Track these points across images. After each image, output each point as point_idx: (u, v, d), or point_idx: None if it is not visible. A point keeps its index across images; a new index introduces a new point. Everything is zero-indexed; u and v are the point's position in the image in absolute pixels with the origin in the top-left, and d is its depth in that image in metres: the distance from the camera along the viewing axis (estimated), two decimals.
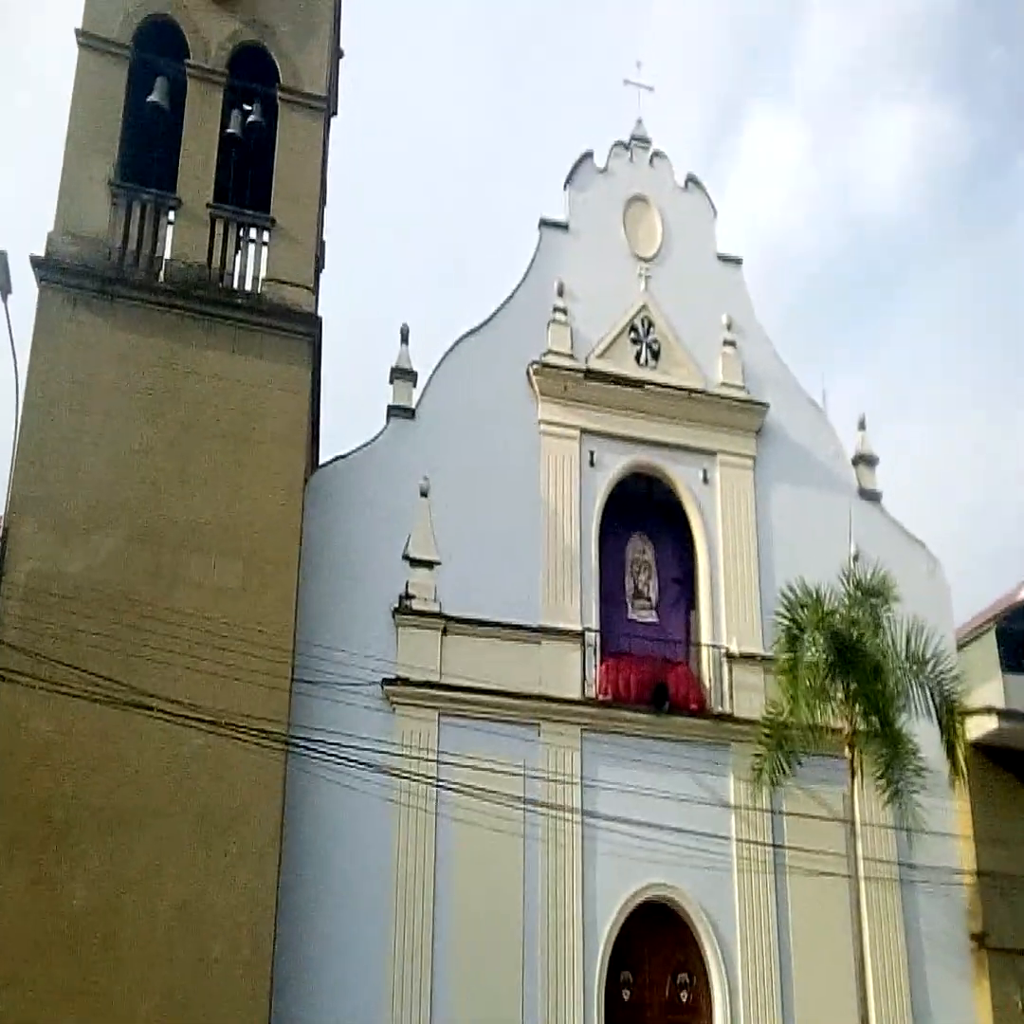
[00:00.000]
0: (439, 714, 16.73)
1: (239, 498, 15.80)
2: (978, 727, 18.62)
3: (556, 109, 47.47)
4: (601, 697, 17.53)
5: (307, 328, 16.88)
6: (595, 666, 17.87)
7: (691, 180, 21.73)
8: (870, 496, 20.69)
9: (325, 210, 19.17)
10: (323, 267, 19.45)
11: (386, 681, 16.61)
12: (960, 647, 20.77)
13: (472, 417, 18.54)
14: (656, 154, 21.52)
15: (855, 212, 54.10)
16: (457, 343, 18.94)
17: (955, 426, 46.60)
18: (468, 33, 51.15)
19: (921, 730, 16.93)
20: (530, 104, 50.62)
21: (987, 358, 49.54)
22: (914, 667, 16.34)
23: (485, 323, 19.21)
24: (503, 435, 18.64)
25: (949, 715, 16.71)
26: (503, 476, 18.36)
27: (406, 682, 16.71)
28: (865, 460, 21.04)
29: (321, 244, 18.91)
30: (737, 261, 21.63)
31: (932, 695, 16.64)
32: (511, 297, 19.54)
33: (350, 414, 19.99)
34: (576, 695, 17.58)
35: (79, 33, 16.93)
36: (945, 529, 23.73)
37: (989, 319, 49.66)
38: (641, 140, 21.46)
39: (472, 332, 19.08)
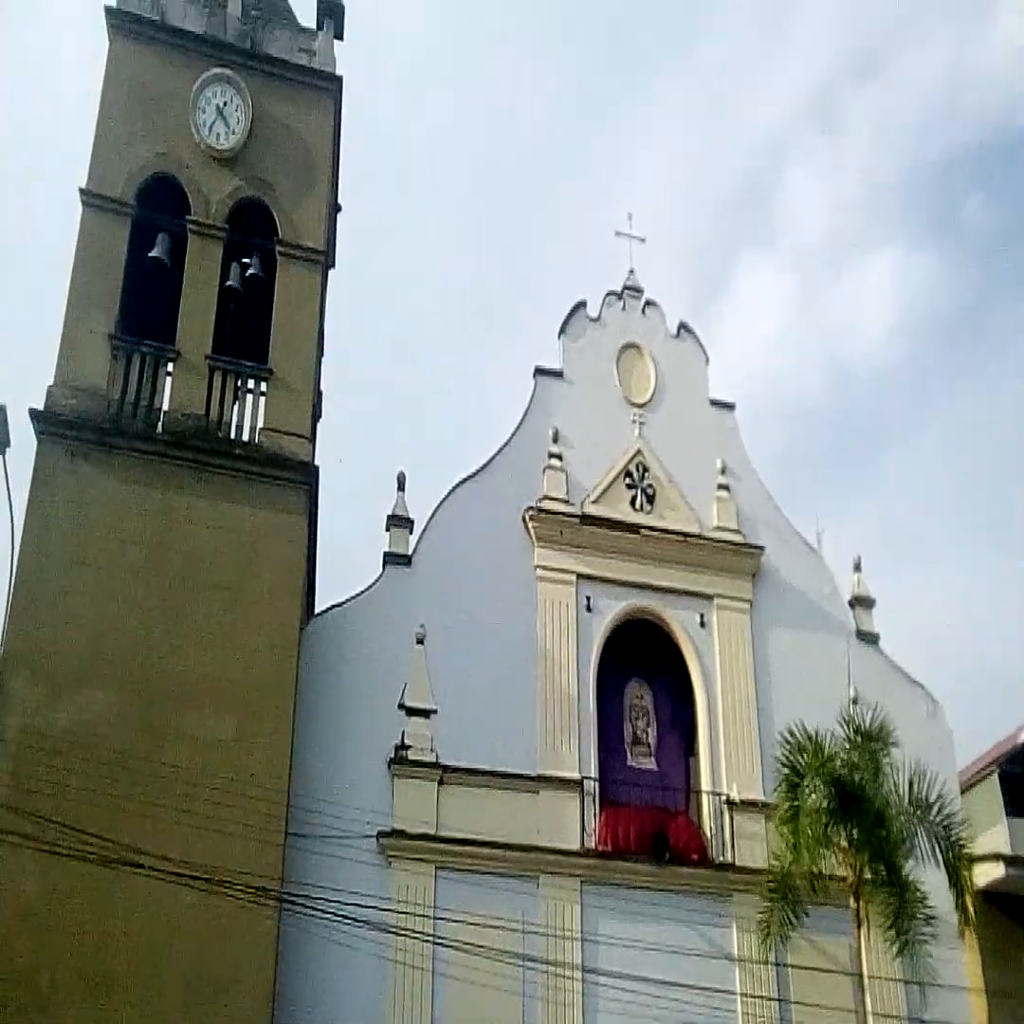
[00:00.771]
0: (435, 868, 16.44)
1: (234, 649, 15.77)
2: (985, 875, 18.29)
3: (550, 259, 48.83)
4: (601, 848, 17.31)
5: (304, 477, 17.08)
6: (594, 816, 17.61)
7: (683, 327, 22.23)
8: (868, 638, 20.75)
9: (323, 359, 19.58)
10: (320, 416, 19.81)
11: (382, 834, 16.34)
12: (963, 791, 20.55)
13: (468, 564, 18.64)
14: (648, 303, 22.06)
15: (843, 359, 55.25)
16: (453, 490, 19.17)
17: (950, 568, 46.75)
18: (464, 185, 53.01)
19: (927, 877, 16.52)
20: (525, 254, 52.15)
21: (978, 505, 50.10)
22: (918, 813, 16.10)
23: (481, 470, 19.49)
24: (499, 581, 18.71)
25: (956, 862, 16.57)
26: (500, 622, 18.37)
27: (402, 835, 16.45)
28: (862, 602, 21.11)
29: (318, 393, 19.30)
30: (730, 406, 22.02)
31: (937, 842, 16.33)
32: (507, 444, 19.86)
33: (346, 562, 20.13)
34: (575, 846, 17.32)
35: (83, 192, 17.42)
36: (944, 671, 23.53)
37: (977, 468, 50.28)
38: (633, 289, 22.03)
39: (468, 479, 19.34)
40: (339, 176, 20.03)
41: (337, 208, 20.34)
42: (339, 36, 19.75)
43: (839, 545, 22.60)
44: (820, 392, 54.43)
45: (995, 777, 26.99)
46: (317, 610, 18.18)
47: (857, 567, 21.52)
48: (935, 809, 16.18)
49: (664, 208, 50.12)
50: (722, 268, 58.97)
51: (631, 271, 22.29)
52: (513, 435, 19.96)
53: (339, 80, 19.29)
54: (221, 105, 18.24)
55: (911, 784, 16.14)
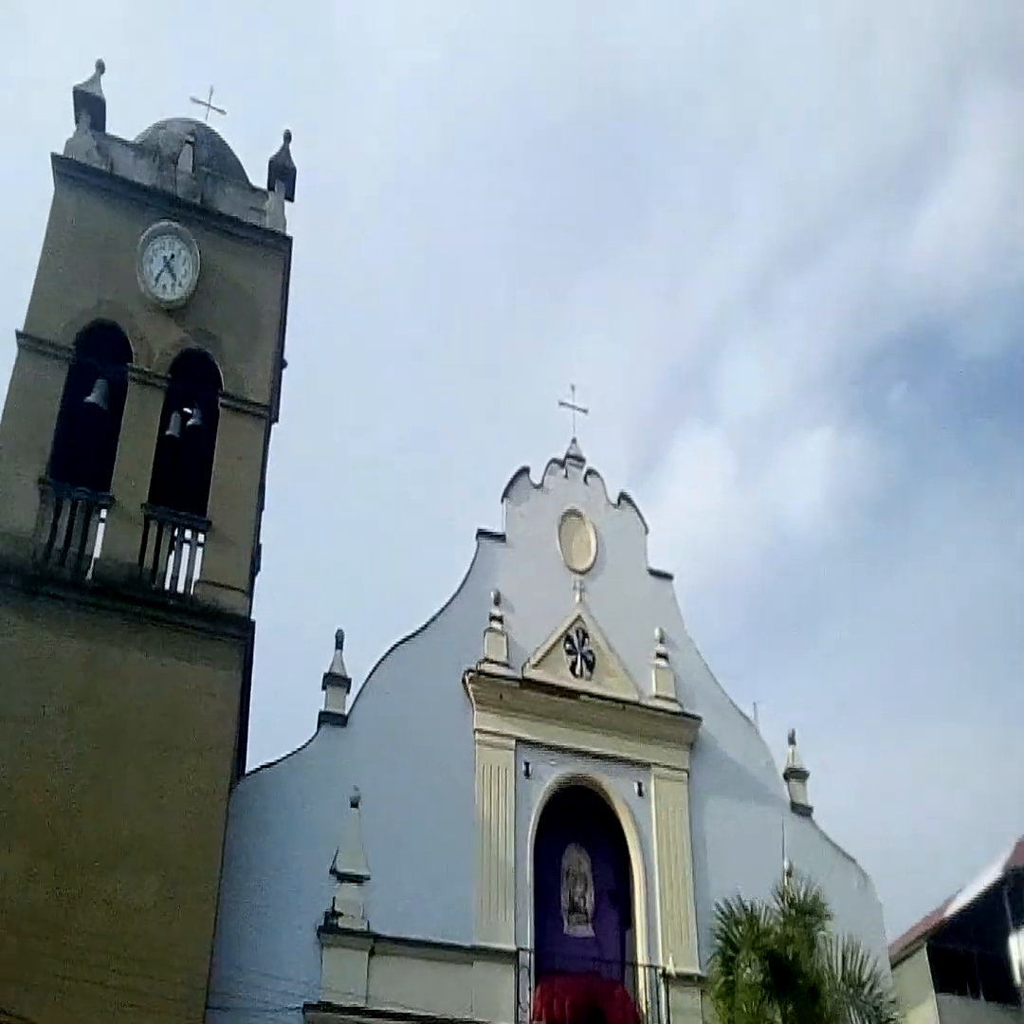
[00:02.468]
0: None
1: (158, 809, 14.98)
2: None
3: (495, 424, 49.83)
4: (535, 1023, 16.84)
5: (240, 632, 16.61)
6: (529, 988, 17.04)
7: (623, 497, 22.60)
8: (802, 810, 20.84)
9: (263, 513, 19.43)
10: (259, 570, 19.55)
11: (308, 1006, 15.50)
12: (893, 966, 20.41)
13: (406, 725, 18.27)
14: (590, 472, 22.44)
15: (780, 533, 56.72)
16: (392, 650, 18.92)
17: (885, 744, 47.06)
18: (411, 347, 54.15)
19: None
20: (471, 418, 53.13)
21: (910, 683, 50.92)
22: (851, 989, 15.68)
23: (421, 630, 19.30)
24: (438, 744, 18.34)
25: None
26: (437, 786, 17.93)
27: (330, 1007, 15.62)
28: (796, 774, 21.25)
29: (257, 547, 19.07)
30: (668, 576, 22.25)
31: (869, 1019, 15.74)
32: (448, 605, 19.75)
33: (280, 719, 19.60)
34: (509, 1021, 16.71)
35: (20, 335, 17.17)
36: (874, 844, 23.55)
37: (910, 648, 51.28)
38: (576, 458, 22.42)
39: (408, 639, 19.12)
40: (286, 332, 20.24)
41: (282, 363, 20.50)
42: (290, 198, 20.24)
43: (774, 717, 22.98)
44: (758, 565, 55.51)
45: (923, 952, 27.55)
46: (248, 769, 17.60)
47: (791, 740, 21.71)
48: (867, 986, 15.80)
49: (608, 380, 51.72)
50: (662, 440, 60.78)
51: (574, 440, 22.72)
52: (455, 597, 19.87)
53: (289, 241, 19.64)
54: (169, 257, 18.35)
55: (844, 959, 15.78)
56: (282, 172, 20.29)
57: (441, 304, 55.10)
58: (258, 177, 20.30)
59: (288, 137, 20.48)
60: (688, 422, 61.49)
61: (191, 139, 19.73)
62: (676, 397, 59.90)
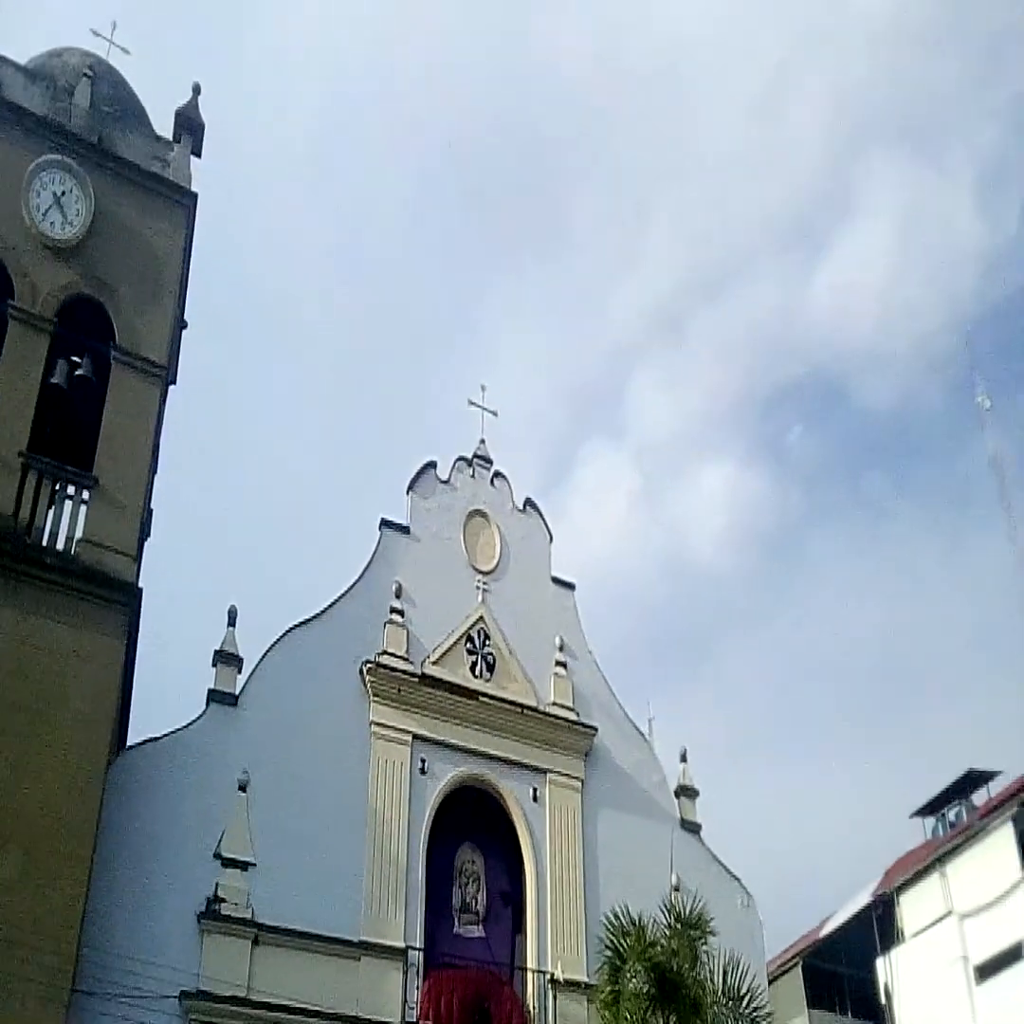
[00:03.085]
0: None
1: (29, 779, 13.73)
2: None
3: (404, 416, 49.23)
4: (422, 1021, 16.19)
5: (125, 598, 15.42)
6: (417, 987, 16.35)
7: (529, 503, 22.17)
8: (691, 827, 20.82)
9: (155, 476, 18.24)
10: (148, 535, 18.34)
11: (185, 995, 14.43)
12: (770, 982, 20.57)
13: (300, 710, 17.35)
14: (497, 475, 21.96)
15: (680, 556, 57.59)
16: (289, 631, 17.98)
17: (772, 768, 47.92)
18: (318, 325, 53.04)
19: None
20: (380, 406, 52.38)
21: (797, 712, 51.99)
22: (730, 1003, 15.83)
23: (319, 615, 18.42)
24: (332, 733, 17.48)
25: None
26: (329, 776, 17.06)
27: (208, 996, 14.59)
28: (686, 792, 21.26)
29: (148, 511, 17.89)
30: (570, 586, 21.91)
31: None
32: (348, 592, 18.92)
33: (165, 694, 18.40)
34: (396, 1019, 16.01)
35: None
36: (757, 863, 23.60)
37: (799, 678, 52.36)
38: (483, 459, 21.92)
39: (305, 623, 18.21)
40: (186, 292, 19.14)
41: (182, 324, 19.38)
42: (197, 153, 19.12)
43: (668, 735, 22.79)
44: (658, 586, 56.18)
45: (799, 969, 29.53)
46: (129, 743, 16.36)
47: (683, 758, 21.70)
48: (746, 1000, 15.93)
49: (519, 387, 51.90)
50: (570, 453, 61.20)
51: (482, 441, 22.23)
52: (355, 584, 19.07)
53: (194, 197, 18.52)
54: (59, 193, 17.10)
55: (725, 973, 15.95)
56: (189, 125, 19.07)
57: (351, 282, 54.44)
58: (163, 129, 19.05)
59: (197, 90, 19.29)
60: (596, 439, 62.28)
61: (90, 73, 18.42)
62: (586, 412, 60.64)
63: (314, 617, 18.33)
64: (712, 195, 58.03)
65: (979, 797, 29.99)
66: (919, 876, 28.14)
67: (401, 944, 16.54)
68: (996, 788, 29.38)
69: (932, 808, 30.99)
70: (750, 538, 59.83)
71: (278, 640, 17.82)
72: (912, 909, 28.19)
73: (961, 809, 30.26)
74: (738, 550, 59.66)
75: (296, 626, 18.07)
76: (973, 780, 29.80)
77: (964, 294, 58.63)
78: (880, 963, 28.76)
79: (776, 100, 57.39)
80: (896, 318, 60.37)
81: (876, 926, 29.04)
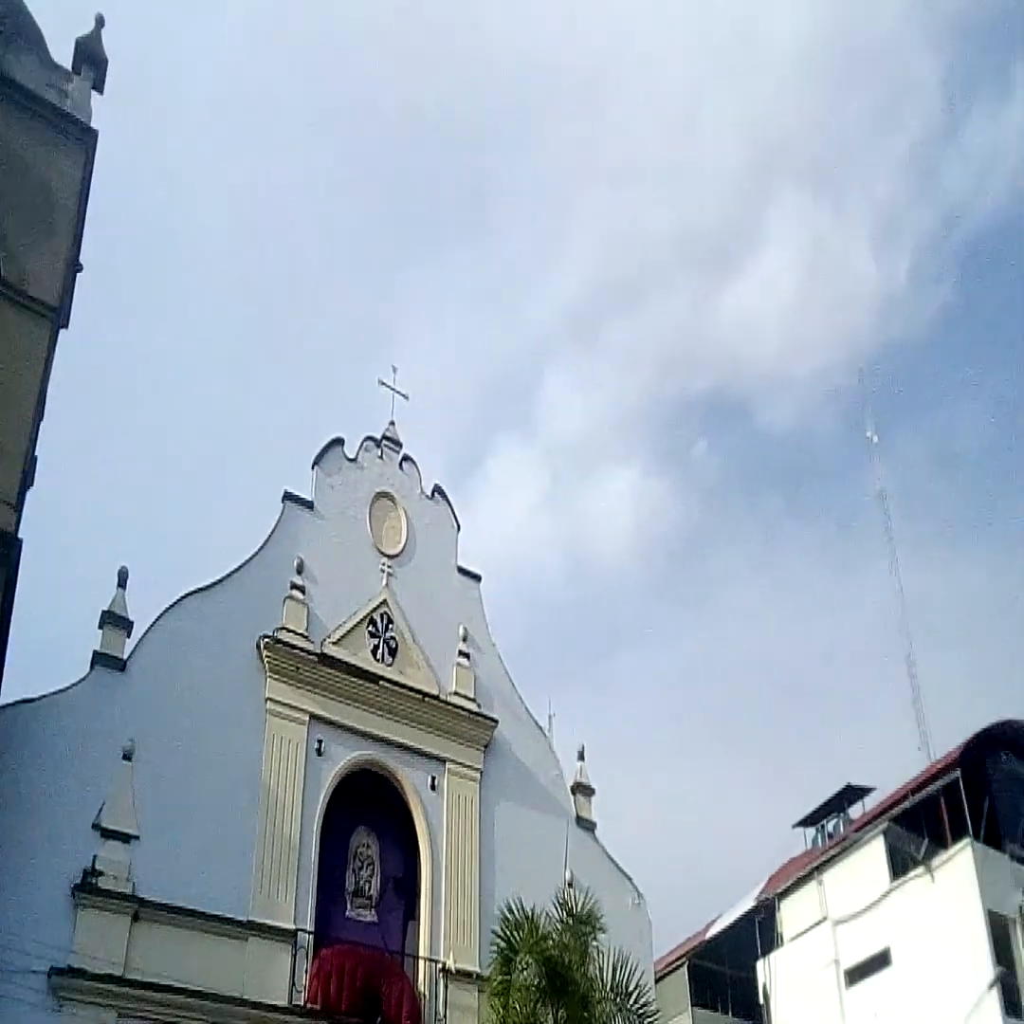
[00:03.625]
0: (118, 1014, 13.73)
1: None
2: None
3: (312, 389, 48.04)
4: (310, 1005, 15.53)
5: (3, 548, 14.38)
6: (306, 970, 15.71)
7: (438, 491, 21.56)
8: (586, 825, 20.67)
9: (41, 423, 17.09)
10: (31, 484, 17.15)
11: (55, 971, 13.48)
12: (657, 980, 20.70)
13: (192, 681, 16.44)
14: (406, 458, 21.32)
15: (586, 559, 57.71)
16: (183, 599, 17.04)
17: (668, 772, 48.28)
18: (223, 281, 51.50)
19: None
20: (288, 376, 51.03)
21: (697, 716, 52.38)
22: (618, 999, 15.80)
23: (217, 584, 17.52)
24: (225, 706, 16.62)
25: None
26: (221, 750, 16.21)
27: (81, 974, 13.67)
28: (583, 790, 21.08)
29: (32, 458, 16.73)
30: (476, 577, 21.40)
31: None
32: (247, 563, 18.04)
33: (45, 654, 17.18)
34: (283, 1002, 15.35)
35: None
36: (648, 864, 23.46)
37: (697, 689, 52.77)
38: (392, 442, 21.25)
39: (201, 590, 17.29)
40: (83, 233, 17.94)
41: (78, 266, 18.20)
42: (99, 89, 18.03)
43: (566, 733, 22.59)
44: (563, 583, 56.06)
45: (685, 969, 30.69)
46: (2, 703, 15.17)
47: (581, 756, 21.51)
48: (634, 996, 15.93)
49: (432, 374, 51.23)
50: (480, 446, 60.86)
51: (392, 423, 21.57)
52: (255, 556, 18.21)
53: (94, 133, 17.44)
54: None
55: (615, 970, 15.94)
56: (91, 57, 18.04)
57: (260, 240, 53.24)
58: (62, 60, 17.87)
59: (100, 22, 18.28)
60: (507, 433, 62.27)
61: None
62: (498, 406, 60.58)
63: (211, 585, 17.43)
64: (630, 206, 58.87)
65: (855, 811, 31.34)
66: (798, 883, 29.19)
67: (291, 926, 15.85)
68: (871, 803, 30.75)
69: (812, 819, 32.32)
70: (654, 545, 60.58)
71: (172, 606, 16.87)
72: (791, 914, 29.17)
73: (839, 822, 31.63)
74: (642, 556, 60.30)
75: (192, 593, 17.15)
76: (850, 795, 31.23)
77: (860, 332, 60.30)
78: (760, 965, 29.56)
79: (691, 123, 58.52)
80: (796, 347, 61.90)
81: (758, 930, 29.91)
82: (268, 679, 17.25)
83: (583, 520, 59.48)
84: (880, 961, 26.23)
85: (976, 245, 61.47)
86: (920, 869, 26.01)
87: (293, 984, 15.43)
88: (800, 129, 58.06)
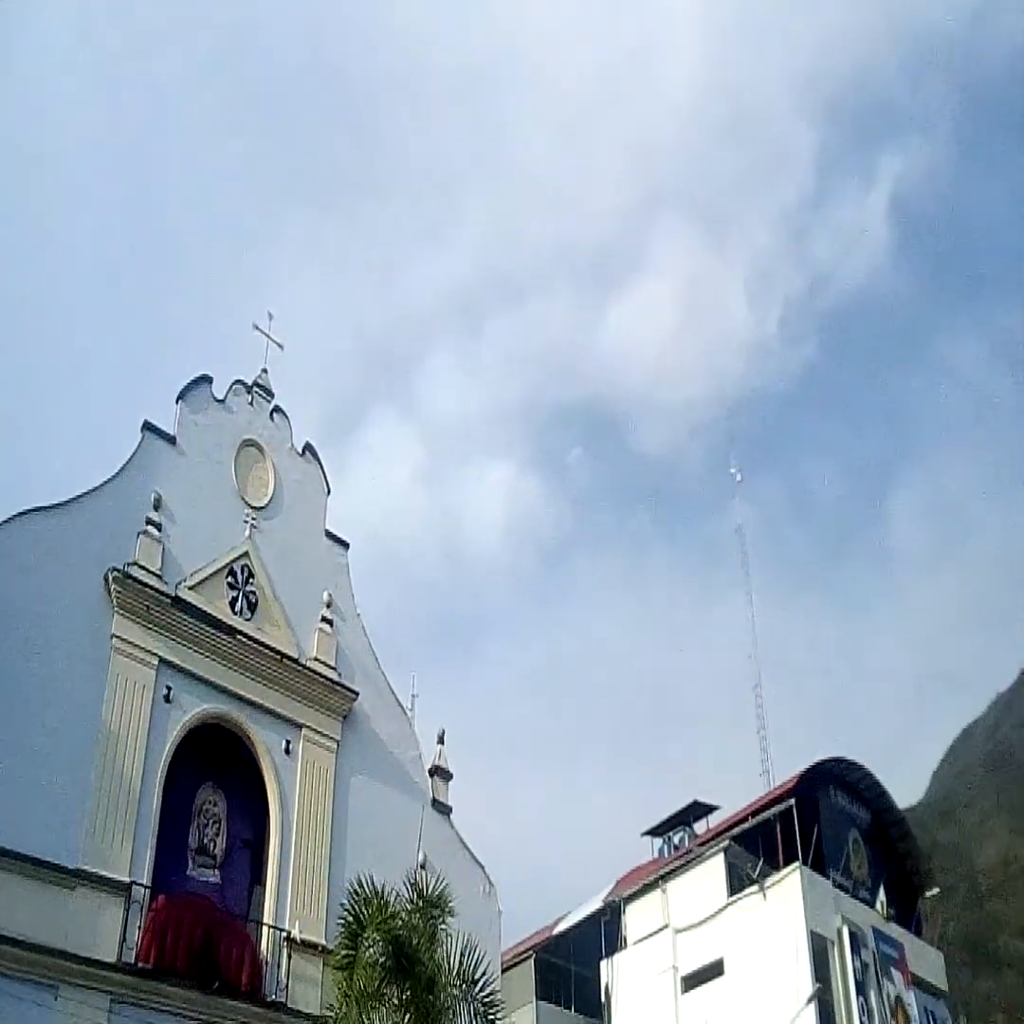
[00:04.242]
0: None
1: None
2: None
3: (181, 316, 45.71)
4: (141, 964, 14.40)
5: None
6: (139, 927, 14.43)
7: (309, 448, 20.27)
8: (442, 808, 20.09)
9: None
10: None
11: None
12: (504, 970, 20.32)
13: (27, 604, 14.87)
14: (277, 409, 19.94)
15: (458, 545, 57.07)
16: (24, 514, 15.34)
17: (529, 767, 47.82)
18: (94, 189, 48.89)
19: None
20: (158, 299, 48.56)
21: (561, 717, 52.39)
22: (464, 985, 15.32)
23: (63, 505, 15.87)
24: (65, 638, 15.07)
25: None
26: (58, 683, 14.69)
27: None
28: (441, 773, 20.47)
29: None
30: (344, 544, 20.25)
31: (477, 1016, 15.37)
32: (99, 489, 16.45)
33: None
34: (111, 958, 14.04)
35: None
36: (502, 856, 22.74)
37: (563, 690, 52.68)
38: (264, 389, 19.85)
39: (45, 509, 15.59)
40: None
41: None
42: None
43: (429, 714, 21.61)
44: (434, 566, 55.22)
45: (532, 962, 31.38)
46: None
47: (441, 739, 20.91)
48: (479, 984, 15.42)
49: (312, 329, 49.66)
50: (357, 412, 59.25)
51: (264, 370, 20.16)
52: (108, 482, 16.65)
53: None
54: None
55: (462, 956, 15.39)
56: None
57: (140, 164, 50.75)
58: None
59: None
60: (385, 404, 61.12)
61: None
62: (377, 375, 59.52)
63: (56, 506, 15.78)
64: (514, 207, 59.21)
65: (700, 826, 32.55)
66: (644, 890, 30.18)
67: (125, 877, 14.48)
68: (715, 820, 32.04)
69: (660, 830, 33.47)
70: (525, 543, 60.89)
71: (8, 520, 15.17)
72: (636, 919, 30.10)
73: (685, 835, 32.75)
74: (513, 551, 60.44)
75: (33, 510, 15.46)
76: (697, 810, 32.62)
77: (730, 374, 61.95)
78: (604, 965, 30.32)
79: (579, 140, 59.29)
80: (671, 375, 63.38)
81: (604, 930, 30.66)
82: (115, 615, 15.74)
83: (458, 505, 59.44)
84: (714, 970, 27.17)
85: (840, 313, 64.39)
86: (754, 887, 27.22)
87: (123, 939, 14.02)
88: (688, 170, 59.81)
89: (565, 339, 61.02)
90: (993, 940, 58.12)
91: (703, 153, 59.85)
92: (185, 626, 16.40)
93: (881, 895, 29.07)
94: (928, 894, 32.04)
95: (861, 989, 26.22)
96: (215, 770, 16.57)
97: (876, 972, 27.13)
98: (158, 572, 16.37)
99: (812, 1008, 24.60)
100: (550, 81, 58.47)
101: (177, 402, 18.25)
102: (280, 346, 20.67)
